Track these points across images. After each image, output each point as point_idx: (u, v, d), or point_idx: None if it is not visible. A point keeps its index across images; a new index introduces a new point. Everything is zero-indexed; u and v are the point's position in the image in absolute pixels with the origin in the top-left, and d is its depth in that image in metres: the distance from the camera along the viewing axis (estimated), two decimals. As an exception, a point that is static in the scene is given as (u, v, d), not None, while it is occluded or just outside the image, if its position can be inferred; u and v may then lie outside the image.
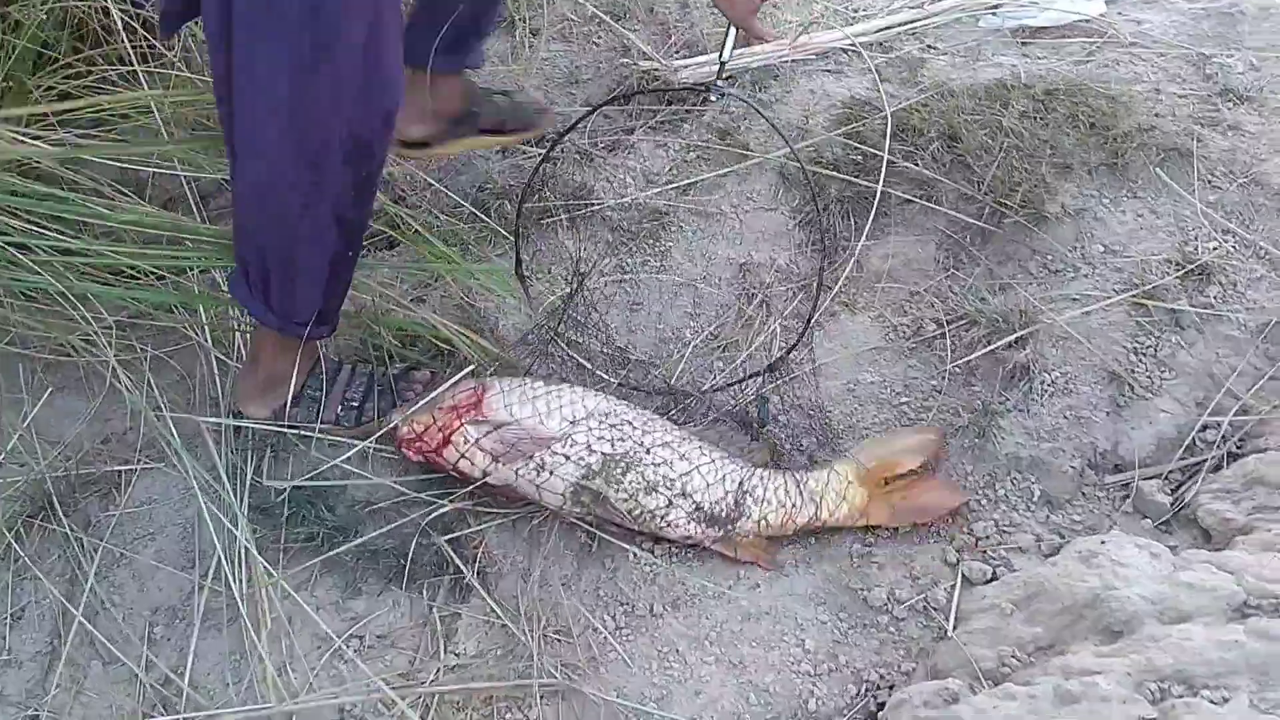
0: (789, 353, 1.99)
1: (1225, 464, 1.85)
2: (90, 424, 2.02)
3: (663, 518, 1.78)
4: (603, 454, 1.79)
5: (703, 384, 2.07)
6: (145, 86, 2.20)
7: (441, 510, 1.80)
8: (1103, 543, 1.67)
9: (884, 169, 2.21)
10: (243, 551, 1.75)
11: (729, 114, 2.53)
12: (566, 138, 2.53)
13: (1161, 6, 2.77)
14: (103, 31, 2.25)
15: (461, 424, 1.81)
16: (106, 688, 1.70)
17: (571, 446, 1.79)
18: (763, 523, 1.80)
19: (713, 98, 2.15)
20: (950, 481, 1.89)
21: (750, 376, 2.03)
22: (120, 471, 1.95)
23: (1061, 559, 1.69)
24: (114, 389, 1.97)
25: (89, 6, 2.22)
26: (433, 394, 1.87)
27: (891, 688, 1.64)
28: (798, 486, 1.83)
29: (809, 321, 1.96)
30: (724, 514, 1.80)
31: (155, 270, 2.01)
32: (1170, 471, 1.87)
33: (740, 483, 1.82)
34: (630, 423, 1.85)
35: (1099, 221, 2.15)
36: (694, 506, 1.79)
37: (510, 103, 2.36)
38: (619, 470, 1.78)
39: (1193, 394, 1.93)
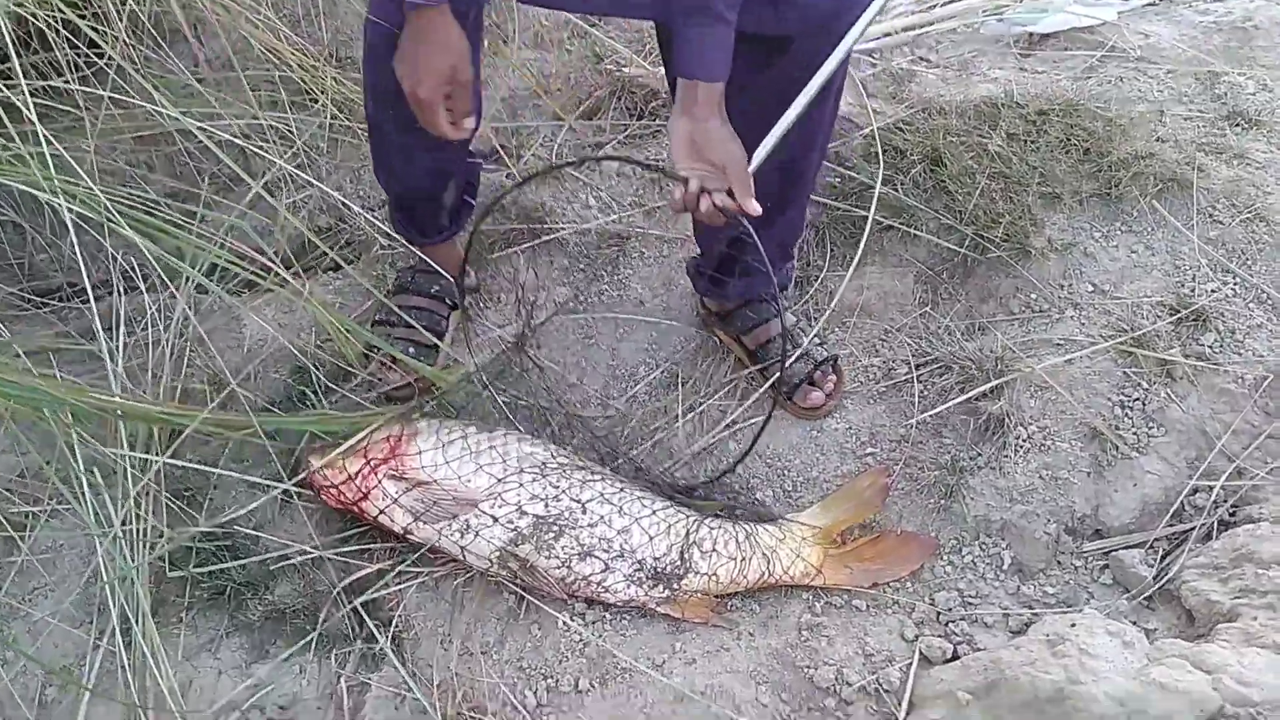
0: (735, 466, 1.81)
1: (1215, 533, 1.69)
2: (5, 456, 1.90)
3: (599, 584, 1.64)
4: (534, 516, 1.65)
5: (655, 427, 1.92)
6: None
7: (359, 574, 1.66)
8: (1072, 625, 1.51)
9: (875, 200, 2.02)
10: (140, 611, 1.61)
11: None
12: (530, 153, 2.41)
13: (1172, 18, 2.59)
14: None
15: (379, 480, 1.67)
16: (-13, 758, 1.58)
17: (499, 507, 1.65)
18: (712, 578, 1.66)
19: None
20: (912, 537, 1.74)
21: (699, 485, 1.85)
22: (27, 514, 1.82)
23: (1026, 642, 1.53)
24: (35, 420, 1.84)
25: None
26: (353, 440, 1.73)
27: (834, 781, 1.50)
28: (749, 540, 1.68)
29: (758, 434, 1.74)
30: (668, 570, 1.65)
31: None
32: (1155, 540, 1.71)
33: (687, 533, 1.68)
34: (566, 474, 1.70)
35: (1089, 258, 1.98)
36: (635, 566, 1.64)
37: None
38: (550, 535, 1.64)
39: (1183, 453, 1.76)
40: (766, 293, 1.90)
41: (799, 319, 1.99)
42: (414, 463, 1.67)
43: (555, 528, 1.64)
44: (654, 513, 1.69)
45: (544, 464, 1.71)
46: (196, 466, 1.73)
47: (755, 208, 1.50)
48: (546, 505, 1.66)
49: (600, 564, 1.64)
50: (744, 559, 1.67)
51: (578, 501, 1.67)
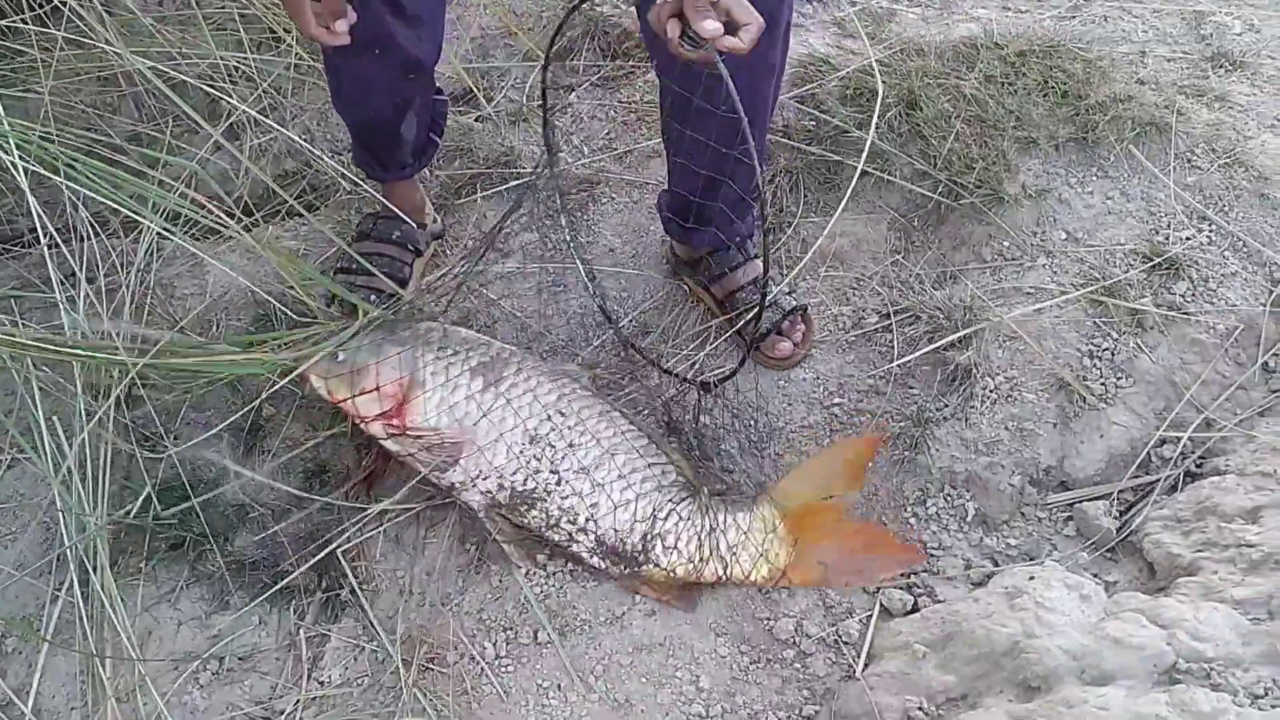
0: (728, 378, 1.78)
1: (1181, 485, 1.67)
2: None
3: (567, 548, 1.63)
4: (512, 489, 1.64)
5: (622, 376, 1.90)
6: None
7: (319, 525, 1.65)
8: (1031, 579, 1.50)
9: (868, 147, 1.95)
10: (99, 560, 1.61)
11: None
12: (503, 94, 2.36)
13: (1160, -46, 2.53)
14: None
15: (377, 421, 1.68)
16: (-55, 708, 1.58)
17: (481, 478, 1.65)
18: (670, 574, 1.63)
19: None
20: (899, 545, 1.68)
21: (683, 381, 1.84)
22: (-12, 462, 1.81)
23: (985, 594, 1.53)
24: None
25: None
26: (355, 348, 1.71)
27: (791, 732, 1.50)
28: (711, 536, 1.64)
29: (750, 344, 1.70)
30: (630, 553, 1.62)
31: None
32: (1121, 491, 1.70)
33: (653, 513, 1.65)
34: (556, 429, 1.69)
35: (1063, 204, 1.94)
36: (595, 541, 1.63)
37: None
38: (524, 506, 1.64)
39: (1151, 404, 1.75)
40: (734, 240, 1.87)
41: (770, 269, 1.96)
42: (419, 408, 1.68)
43: (528, 500, 1.64)
44: (624, 476, 1.66)
45: (544, 410, 1.70)
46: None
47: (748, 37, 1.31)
48: (527, 471, 1.66)
49: (566, 534, 1.63)
50: (702, 560, 1.63)
51: (554, 474, 1.66)
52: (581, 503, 1.64)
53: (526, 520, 1.64)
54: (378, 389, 1.68)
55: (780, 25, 1.55)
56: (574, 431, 1.69)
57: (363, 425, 1.68)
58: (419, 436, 1.67)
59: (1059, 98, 2.05)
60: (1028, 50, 2.16)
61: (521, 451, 1.67)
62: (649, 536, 1.63)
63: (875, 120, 1.86)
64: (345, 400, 1.68)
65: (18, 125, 1.72)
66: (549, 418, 1.69)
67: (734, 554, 1.62)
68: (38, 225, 1.76)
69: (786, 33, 1.61)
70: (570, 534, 1.62)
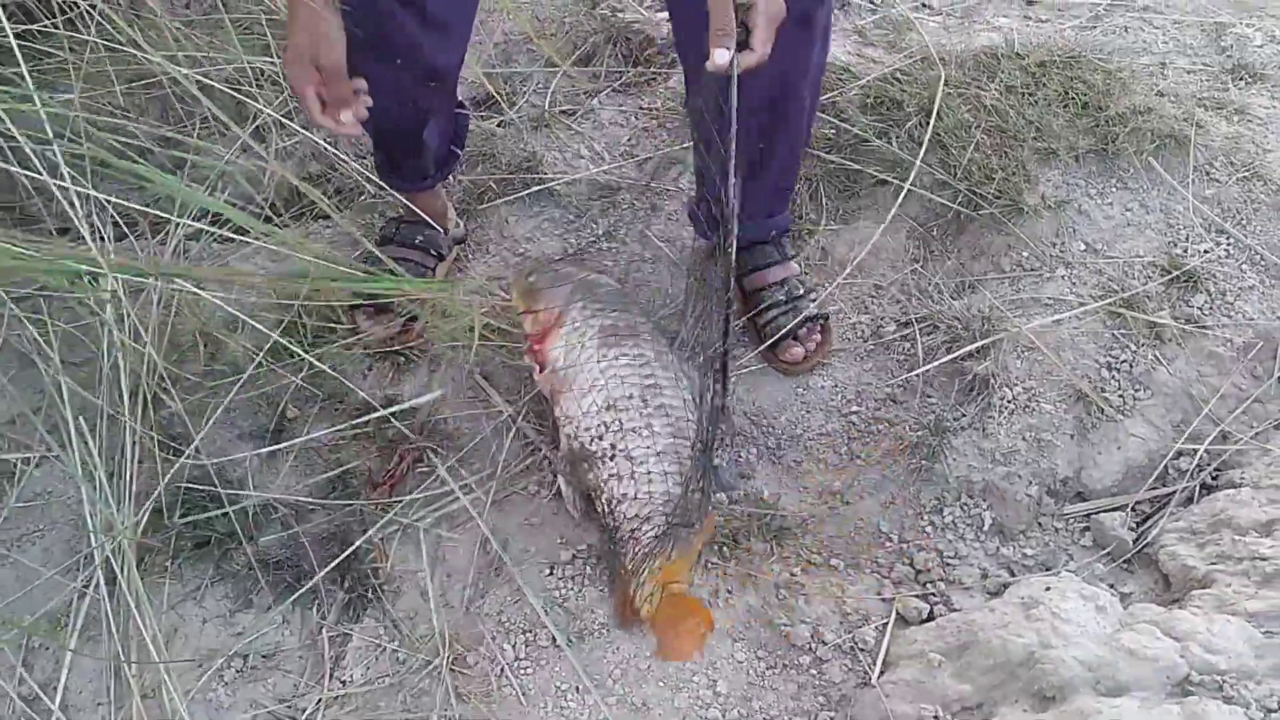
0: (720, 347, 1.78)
1: (1197, 497, 1.68)
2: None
3: (604, 521, 1.68)
4: (581, 445, 1.69)
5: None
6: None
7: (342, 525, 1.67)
8: (1047, 589, 1.52)
9: (919, 163, 1.99)
10: (125, 559, 1.63)
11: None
12: (525, 100, 2.38)
13: (1181, -35, 2.53)
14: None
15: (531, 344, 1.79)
16: (-27, 702, 1.60)
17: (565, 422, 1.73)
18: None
19: None
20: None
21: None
22: (16, 460, 1.84)
23: (1001, 604, 1.54)
24: (25, 362, 1.85)
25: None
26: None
27: (806, 738, 1.52)
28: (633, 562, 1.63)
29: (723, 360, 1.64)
30: (634, 555, 1.64)
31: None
32: (1137, 503, 1.71)
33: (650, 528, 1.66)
34: (629, 410, 1.72)
35: (1083, 215, 1.96)
36: (613, 528, 1.65)
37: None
38: (584, 465, 1.69)
39: (1168, 416, 1.76)
40: (769, 236, 1.89)
41: (801, 269, 1.97)
42: (555, 346, 1.76)
43: (585, 463, 1.69)
44: (650, 483, 1.68)
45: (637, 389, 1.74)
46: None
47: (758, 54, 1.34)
48: (597, 436, 1.70)
49: (604, 507, 1.67)
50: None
51: (611, 446, 1.69)
52: (618, 485, 1.66)
53: (584, 479, 1.68)
54: (537, 313, 1.80)
55: (815, 25, 1.56)
56: (640, 419, 1.72)
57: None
58: (541, 365, 1.77)
59: (1079, 109, 2.06)
60: (1048, 60, 2.17)
61: (598, 413, 1.71)
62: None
63: (931, 128, 1.88)
64: (521, 311, 1.83)
65: (51, 122, 1.75)
66: (629, 396, 1.72)
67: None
68: (79, 224, 1.79)
69: (825, 35, 1.63)
70: (606, 509, 1.66)
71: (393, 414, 1.82)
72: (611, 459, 1.67)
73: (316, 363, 1.87)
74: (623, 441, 1.69)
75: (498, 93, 2.35)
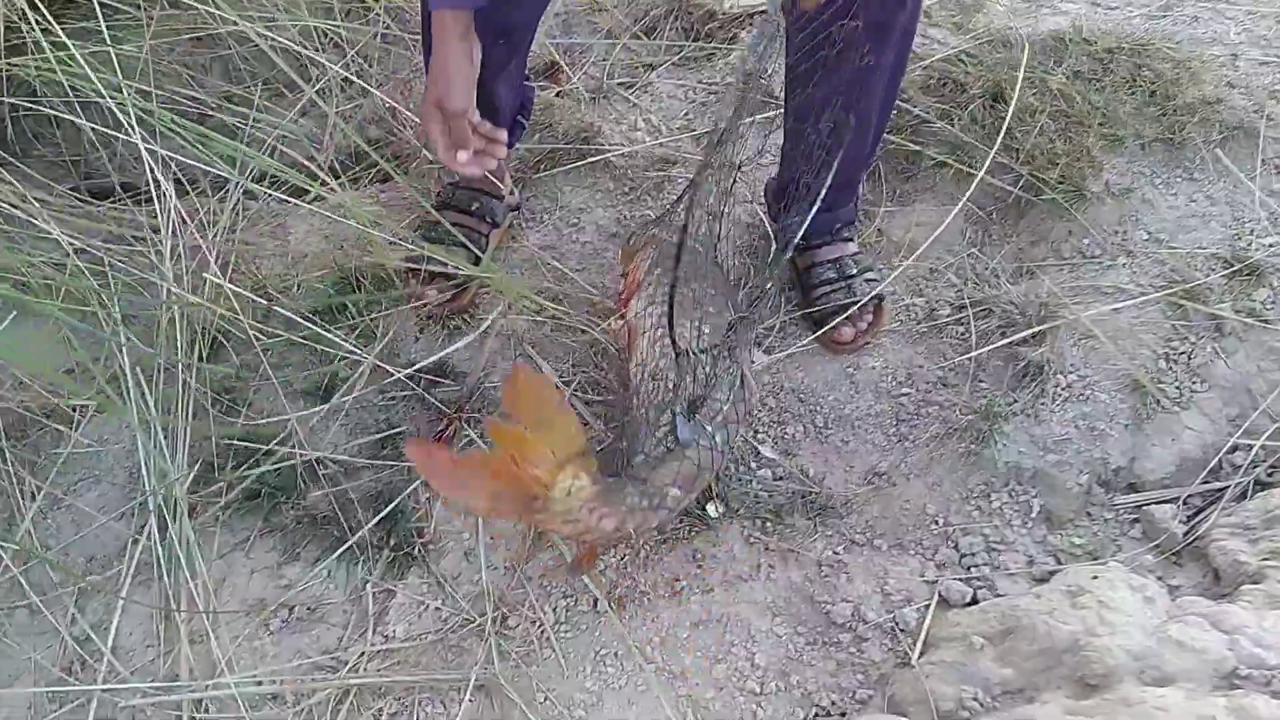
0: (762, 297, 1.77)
1: (1251, 492, 1.66)
2: (56, 352, 1.94)
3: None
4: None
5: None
6: None
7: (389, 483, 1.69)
8: (1094, 578, 1.50)
9: (988, 160, 1.96)
10: (177, 508, 1.66)
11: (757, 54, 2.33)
12: (584, 70, 2.38)
13: (1257, -45, 2.48)
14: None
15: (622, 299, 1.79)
16: (28, 639, 1.64)
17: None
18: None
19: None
20: None
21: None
22: (76, 407, 1.87)
23: (1047, 591, 1.53)
24: (84, 317, 1.87)
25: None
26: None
27: (844, 715, 1.51)
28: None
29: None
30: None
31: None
32: (1190, 496, 1.68)
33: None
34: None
35: (1146, 204, 1.92)
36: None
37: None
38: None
39: (1225, 410, 1.73)
40: (833, 229, 1.89)
41: (861, 249, 1.96)
42: (638, 301, 1.74)
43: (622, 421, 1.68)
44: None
45: None
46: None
47: None
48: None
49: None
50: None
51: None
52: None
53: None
54: (631, 274, 1.80)
55: (893, 30, 1.58)
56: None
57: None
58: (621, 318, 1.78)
59: (1147, 97, 2.03)
60: (1116, 47, 2.14)
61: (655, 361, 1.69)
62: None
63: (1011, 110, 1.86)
64: (625, 268, 1.84)
65: (121, 80, 1.78)
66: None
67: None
68: (150, 180, 1.82)
69: (906, 35, 1.62)
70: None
71: (439, 379, 1.83)
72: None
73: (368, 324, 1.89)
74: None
75: (560, 62, 2.35)
